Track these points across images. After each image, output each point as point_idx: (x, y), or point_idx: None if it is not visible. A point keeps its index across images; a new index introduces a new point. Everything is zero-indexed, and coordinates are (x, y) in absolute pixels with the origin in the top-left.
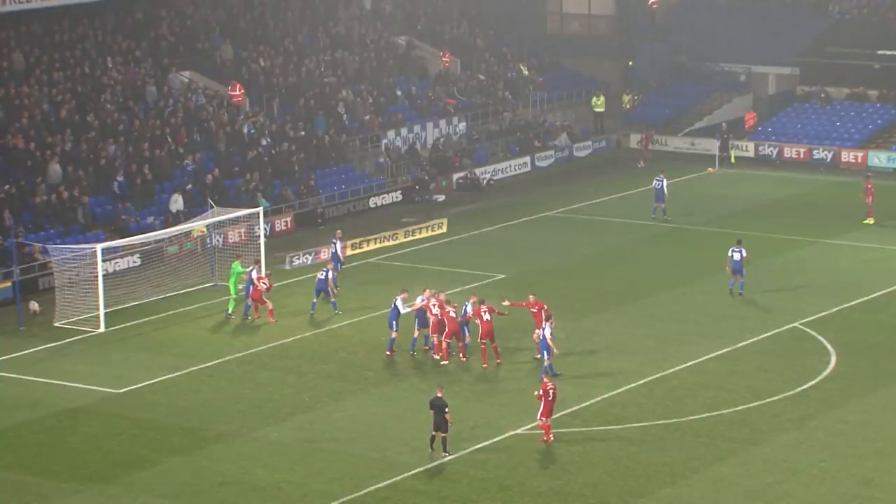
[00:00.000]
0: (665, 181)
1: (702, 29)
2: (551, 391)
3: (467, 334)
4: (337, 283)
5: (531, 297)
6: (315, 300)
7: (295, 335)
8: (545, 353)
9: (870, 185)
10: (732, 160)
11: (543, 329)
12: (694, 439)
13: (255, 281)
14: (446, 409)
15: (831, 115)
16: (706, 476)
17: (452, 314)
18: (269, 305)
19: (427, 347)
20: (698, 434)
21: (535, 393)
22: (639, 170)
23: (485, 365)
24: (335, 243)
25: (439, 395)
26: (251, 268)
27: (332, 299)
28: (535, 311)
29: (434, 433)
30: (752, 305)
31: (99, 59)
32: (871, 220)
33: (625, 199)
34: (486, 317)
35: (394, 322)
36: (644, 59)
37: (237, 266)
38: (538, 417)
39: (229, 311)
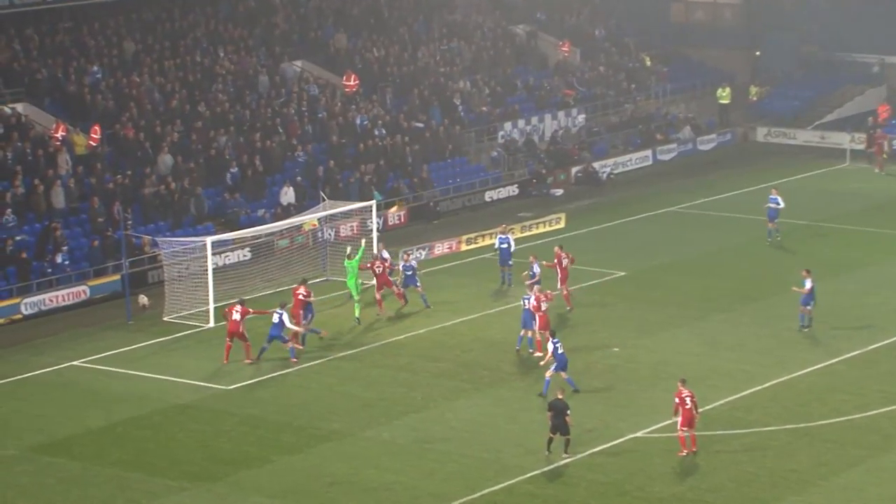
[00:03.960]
0: (780, 199)
1: (832, 17)
2: (688, 398)
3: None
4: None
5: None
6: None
7: (408, 332)
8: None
9: None
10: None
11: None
12: (822, 445)
13: (374, 267)
14: (567, 412)
15: None
16: (835, 483)
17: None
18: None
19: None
20: (826, 440)
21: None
22: (770, 167)
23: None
24: (506, 238)
25: (560, 396)
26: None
27: (422, 293)
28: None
29: (552, 435)
30: (884, 307)
31: (210, 47)
32: None
33: (750, 194)
34: (544, 307)
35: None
36: (772, 49)
37: (348, 263)
38: (678, 428)
39: (357, 316)
